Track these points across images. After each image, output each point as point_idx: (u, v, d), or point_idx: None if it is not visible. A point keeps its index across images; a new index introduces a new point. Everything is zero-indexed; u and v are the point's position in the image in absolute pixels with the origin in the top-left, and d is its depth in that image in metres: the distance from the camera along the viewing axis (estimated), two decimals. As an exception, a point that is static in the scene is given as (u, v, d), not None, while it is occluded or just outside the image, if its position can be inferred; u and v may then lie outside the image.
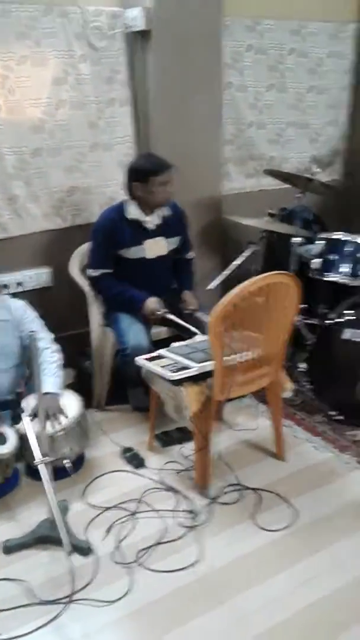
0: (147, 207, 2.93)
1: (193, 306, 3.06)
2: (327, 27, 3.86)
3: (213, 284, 3.29)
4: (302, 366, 3.09)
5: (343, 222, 3.88)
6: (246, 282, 2.25)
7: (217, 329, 2.24)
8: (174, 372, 2.39)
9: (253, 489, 2.52)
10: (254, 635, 1.86)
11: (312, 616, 1.93)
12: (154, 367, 2.46)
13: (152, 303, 2.91)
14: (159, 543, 2.24)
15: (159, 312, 2.91)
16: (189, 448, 2.72)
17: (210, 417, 2.45)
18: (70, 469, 2.48)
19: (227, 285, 2.26)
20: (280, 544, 2.23)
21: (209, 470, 2.49)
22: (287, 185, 3.51)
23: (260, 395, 2.89)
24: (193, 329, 2.83)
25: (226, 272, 3.32)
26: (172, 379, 2.37)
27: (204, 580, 2.08)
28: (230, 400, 2.91)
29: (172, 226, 3.05)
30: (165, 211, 3.01)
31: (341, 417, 2.98)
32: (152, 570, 2.12)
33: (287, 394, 2.72)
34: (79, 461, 2.69)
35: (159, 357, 2.55)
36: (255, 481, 2.57)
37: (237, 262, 3.32)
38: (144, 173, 2.84)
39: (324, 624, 1.90)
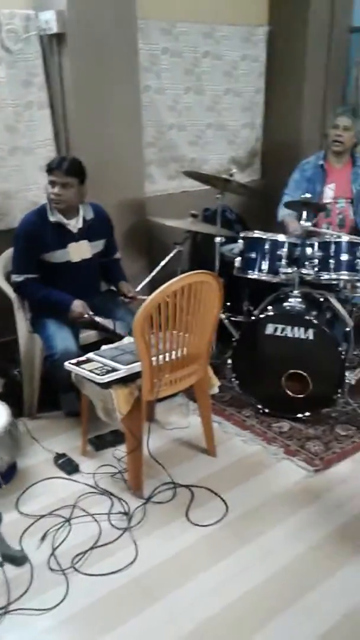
0: (58, 209, 2.91)
1: (132, 293, 3.09)
2: (239, 30, 3.96)
3: (140, 286, 3.32)
4: (229, 362, 3.16)
5: (263, 221, 4.00)
6: (168, 283, 2.29)
7: (141, 330, 2.27)
8: (102, 375, 2.40)
9: (185, 486, 2.57)
10: (189, 630, 1.91)
11: (244, 606, 1.99)
12: (83, 371, 2.47)
13: (78, 307, 2.91)
14: (94, 547, 2.25)
15: (85, 316, 2.91)
16: (122, 450, 2.73)
17: (140, 418, 2.47)
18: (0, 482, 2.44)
19: (155, 286, 2.30)
20: (212, 538, 2.29)
21: (141, 471, 2.52)
22: (208, 187, 3.58)
23: (191, 394, 2.94)
24: (120, 330, 2.85)
25: (153, 274, 3.36)
26: (100, 382, 2.39)
27: (139, 580, 2.11)
28: (161, 400, 2.96)
29: (96, 229, 3.05)
30: (88, 214, 3.01)
31: (268, 410, 3.08)
32: (88, 575, 2.13)
33: (214, 390, 2.79)
34: (10, 471, 2.65)
35: (88, 360, 2.56)
36: (188, 478, 2.62)
37: (163, 263, 3.36)
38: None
39: (255, 613, 1.97)
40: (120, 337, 2.82)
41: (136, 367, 2.41)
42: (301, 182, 3.74)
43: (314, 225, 3.29)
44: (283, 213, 3.68)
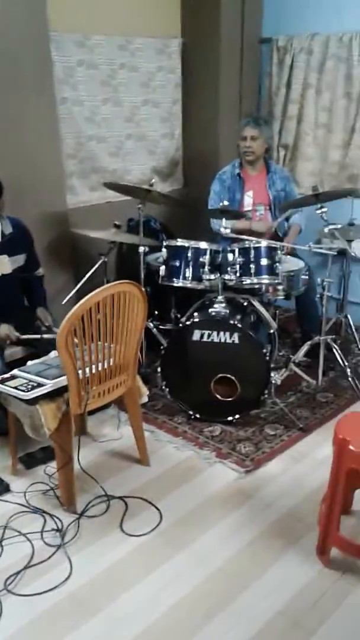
0: None
1: (48, 322, 3.05)
2: (153, 42, 4.01)
3: (67, 299, 3.29)
4: (159, 371, 3.18)
5: (187, 229, 4.06)
6: (90, 295, 2.29)
7: (65, 344, 2.25)
8: (27, 391, 2.36)
9: (119, 497, 2.56)
10: (127, 640, 1.91)
11: (179, 612, 2.01)
12: (7, 388, 2.41)
13: (3, 330, 2.87)
14: (28, 567, 2.20)
15: (11, 338, 2.87)
16: (53, 466, 2.69)
17: (69, 432, 2.45)
18: None
19: (81, 298, 2.28)
20: (146, 547, 2.30)
21: (73, 486, 2.49)
22: (131, 197, 3.59)
23: (123, 404, 2.93)
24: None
25: (78, 286, 3.33)
26: (25, 398, 2.34)
27: (74, 596, 2.08)
28: (92, 412, 2.94)
29: (15, 243, 3.01)
30: (6, 228, 2.96)
31: (199, 415, 3.12)
32: (22, 596, 2.08)
33: (144, 399, 2.80)
34: None
35: (13, 377, 2.50)
36: (121, 489, 2.61)
37: (88, 274, 3.34)
38: None
39: (191, 618, 1.98)
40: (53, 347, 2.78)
41: (62, 381, 2.39)
42: (222, 192, 3.82)
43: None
44: (215, 226, 3.72)
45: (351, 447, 2.04)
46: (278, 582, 2.12)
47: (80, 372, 2.36)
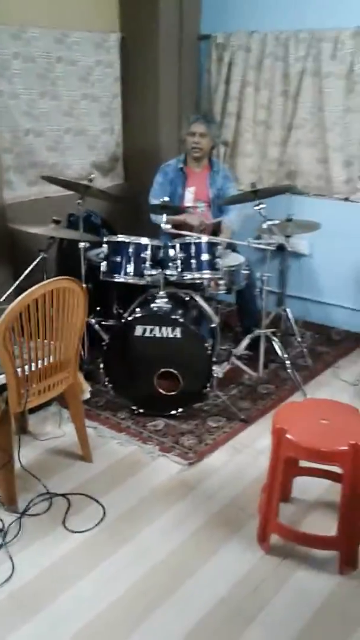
0: None
1: None
2: (91, 36, 3.97)
3: (5, 296, 3.22)
4: (102, 367, 3.17)
5: (129, 224, 4.04)
6: (27, 291, 2.26)
7: (3, 341, 2.21)
8: (-36, 391, 2.31)
9: (61, 495, 2.54)
10: (70, 637, 1.89)
11: (122, 606, 2.01)
12: None
13: None
14: (-32, 570, 2.16)
15: None
16: (-6, 466, 2.64)
17: (8, 431, 2.41)
18: None
19: (20, 295, 2.25)
20: (89, 543, 2.29)
21: (14, 485, 2.45)
22: (71, 192, 3.55)
23: (65, 402, 2.91)
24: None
25: (17, 282, 3.27)
26: None
27: (16, 596, 2.05)
28: (34, 410, 2.91)
29: None
30: None
31: (142, 410, 3.13)
32: None
33: (86, 396, 2.79)
34: None
35: None
36: (64, 487, 2.59)
37: (27, 271, 3.29)
38: None
39: (134, 611, 2.00)
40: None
41: (1, 379, 2.35)
42: (165, 184, 3.84)
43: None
44: (153, 217, 3.74)
45: (288, 436, 2.10)
46: (220, 570, 2.16)
47: (19, 370, 2.32)
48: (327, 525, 2.30)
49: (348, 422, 2.17)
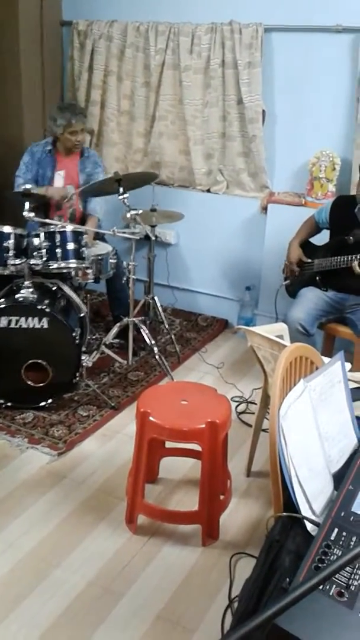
0: None
1: None
2: None
3: None
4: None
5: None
6: None
7: None
8: None
9: None
10: None
11: (-9, 598, 2.00)
12: None
13: None
14: None
15: None
16: None
17: None
18: None
19: None
20: None
21: None
22: None
23: None
24: None
25: None
26: None
27: None
28: None
29: None
30: None
31: (11, 404, 3.07)
32: None
33: None
34: None
35: None
36: None
37: None
38: None
39: (2, 603, 1.98)
40: None
41: None
42: (32, 164, 3.74)
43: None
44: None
45: (151, 418, 2.18)
46: (88, 554, 2.20)
47: None
48: (191, 502, 2.42)
49: (206, 402, 2.30)
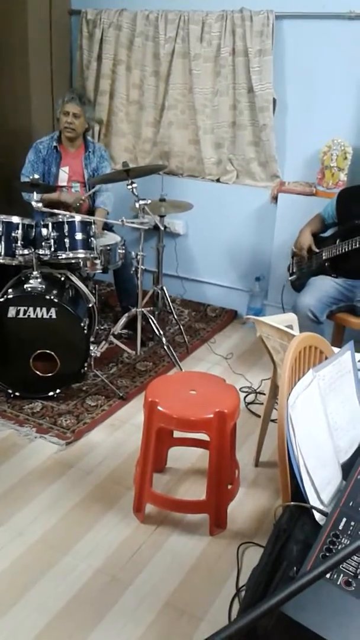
0: None
1: None
2: None
3: None
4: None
5: (0, 205, 3.93)
6: None
7: None
8: None
9: None
10: None
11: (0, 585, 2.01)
12: None
13: None
14: None
15: None
16: None
17: None
18: None
19: None
20: None
21: None
22: None
23: None
24: None
25: None
26: None
27: None
28: None
29: None
30: None
31: (19, 393, 3.08)
32: None
33: None
34: None
35: None
36: None
37: None
38: None
39: (12, 589, 1.99)
40: None
41: None
42: (37, 162, 3.75)
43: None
44: (26, 196, 3.66)
45: (159, 408, 2.18)
46: (96, 543, 2.21)
47: None
48: (199, 491, 2.42)
49: (214, 392, 2.29)
